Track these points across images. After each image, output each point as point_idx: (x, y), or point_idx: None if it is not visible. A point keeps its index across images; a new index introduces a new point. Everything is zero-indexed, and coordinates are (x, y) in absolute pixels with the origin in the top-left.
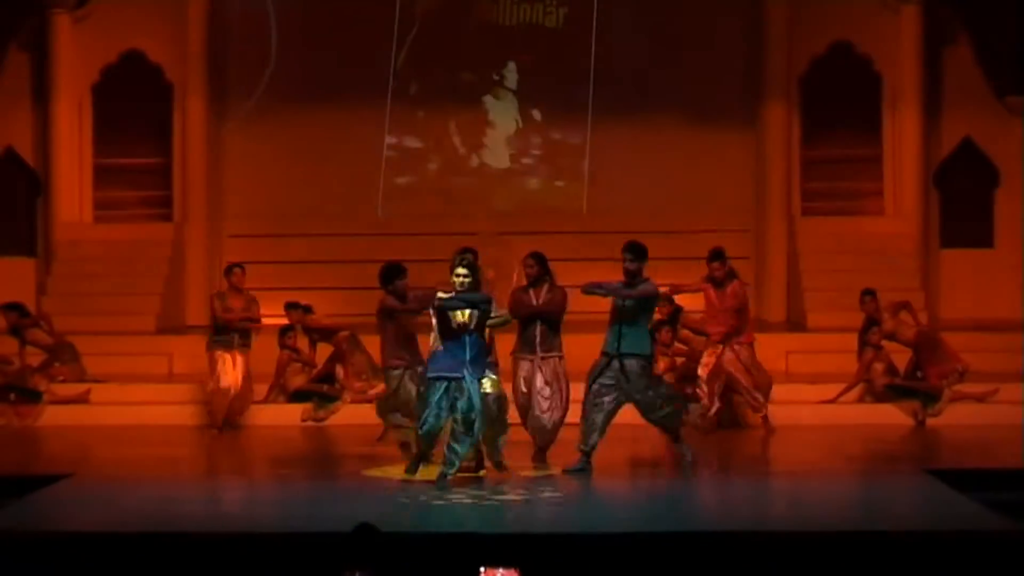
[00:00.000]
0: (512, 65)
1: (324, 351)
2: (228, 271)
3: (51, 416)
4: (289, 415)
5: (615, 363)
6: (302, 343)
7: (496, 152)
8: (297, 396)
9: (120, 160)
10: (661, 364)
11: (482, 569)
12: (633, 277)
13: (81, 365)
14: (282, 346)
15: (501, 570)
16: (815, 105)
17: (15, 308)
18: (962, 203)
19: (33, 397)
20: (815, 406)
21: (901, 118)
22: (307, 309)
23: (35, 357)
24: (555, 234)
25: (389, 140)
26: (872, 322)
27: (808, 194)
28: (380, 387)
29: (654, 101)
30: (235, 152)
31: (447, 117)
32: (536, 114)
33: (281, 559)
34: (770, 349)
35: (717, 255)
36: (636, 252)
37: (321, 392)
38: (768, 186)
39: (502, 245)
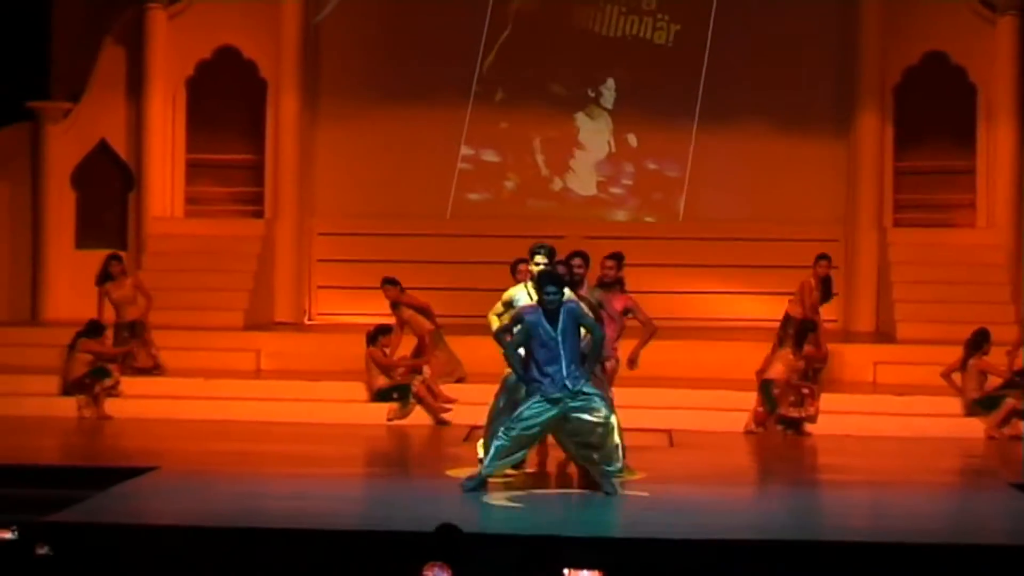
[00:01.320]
0: (611, 82)
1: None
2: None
3: (137, 409)
4: (375, 414)
5: None
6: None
7: (583, 177)
8: (380, 395)
9: (212, 156)
10: None
11: (566, 571)
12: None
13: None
14: (374, 343)
15: (585, 572)
16: (908, 115)
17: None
18: None
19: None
20: (902, 418)
21: (995, 130)
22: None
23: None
24: (647, 239)
25: (465, 151)
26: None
27: (900, 205)
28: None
29: (748, 110)
30: (326, 150)
31: (532, 132)
32: (632, 139)
33: (363, 556)
34: (858, 359)
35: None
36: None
37: (401, 388)
38: (860, 196)
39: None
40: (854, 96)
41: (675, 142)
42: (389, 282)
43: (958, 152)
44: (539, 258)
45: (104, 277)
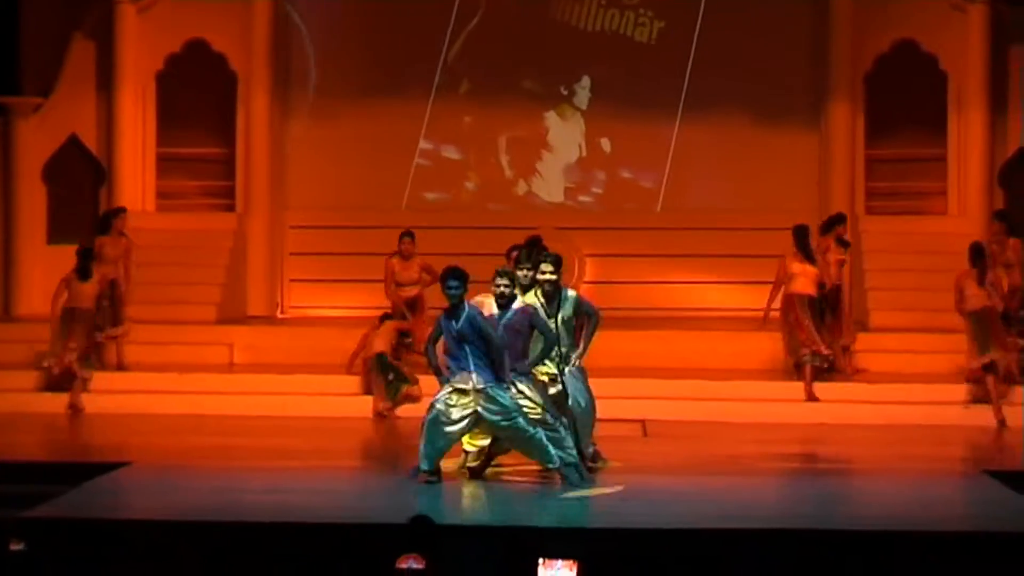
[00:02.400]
0: (586, 80)
1: None
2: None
3: (110, 405)
4: (349, 407)
5: None
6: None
7: (550, 182)
8: (381, 363)
9: (183, 150)
10: None
11: (541, 561)
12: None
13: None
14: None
15: (560, 563)
16: (880, 104)
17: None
18: None
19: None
20: (876, 405)
21: (967, 117)
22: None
23: None
24: (621, 230)
25: (424, 145)
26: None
27: (872, 193)
28: None
29: (723, 101)
30: (298, 143)
31: (498, 129)
32: (605, 144)
33: (338, 549)
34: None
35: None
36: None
37: (397, 370)
38: (832, 185)
39: (565, 241)
40: (826, 84)
41: (651, 145)
42: (409, 235)
43: (929, 140)
44: (545, 266)
45: (104, 228)
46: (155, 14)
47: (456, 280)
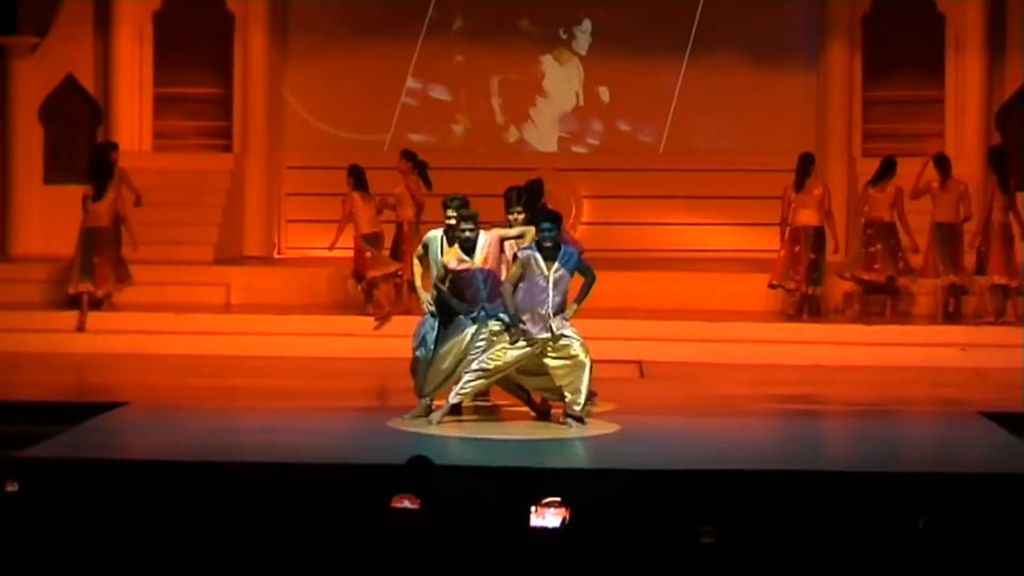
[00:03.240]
0: (587, 24)
1: None
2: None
3: (107, 345)
4: (346, 347)
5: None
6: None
7: (543, 131)
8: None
9: (180, 89)
10: None
11: (533, 508)
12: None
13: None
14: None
15: (551, 510)
16: (877, 45)
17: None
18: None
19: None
20: (872, 347)
21: (964, 59)
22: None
23: None
24: (619, 171)
25: (411, 84)
26: None
27: (869, 135)
28: None
29: (714, 39)
30: (295, 83)
31: (490, 71)
32: (604, 93)
33: (333, 489)
34: (830, 286)
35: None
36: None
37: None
38: (829, 126)
39: (562, 182)
40: (823, 26)
41: (651, 88)
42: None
43: (927, 82)
44: (451, 212)
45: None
46: None
47: (550, 222)
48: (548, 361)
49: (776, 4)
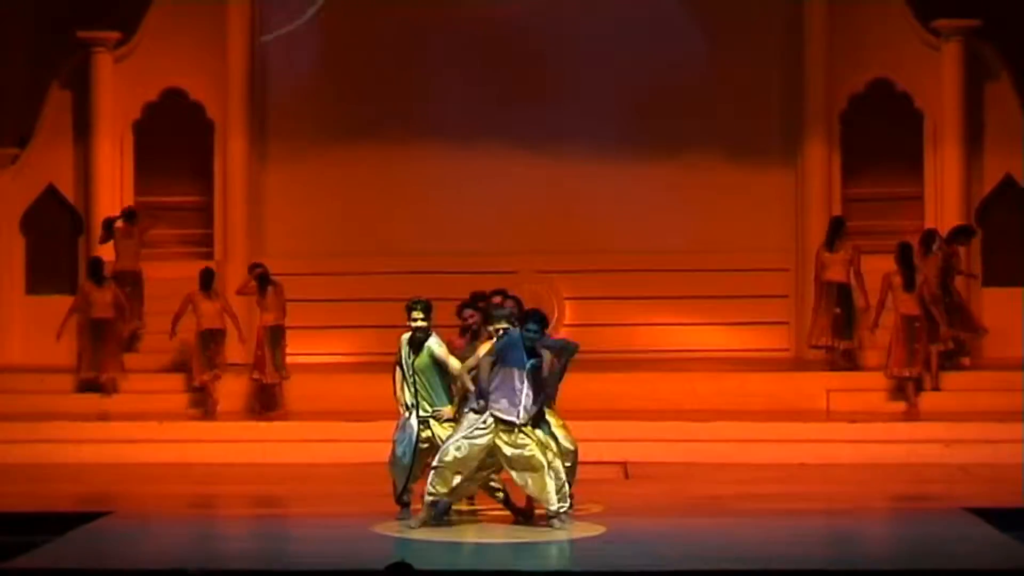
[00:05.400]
0: (566, 126)
1: None
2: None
3: (90, 454)
4: (332, 453)
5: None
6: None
7: (523, 233)
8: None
9: (160, 198)
10: None
11: None
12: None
13: None
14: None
15: None
16: (856, 142)
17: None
18: (1004, 241)
19: None
20: (856, 444)
21: (943, 155)
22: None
23: None
24: (598, 272)
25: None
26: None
27: (849, 232)
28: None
29: (695, 140)
30: (275, 191)
31: (469, 174)
32: (584, 194)
33: None
34: (811, 387)
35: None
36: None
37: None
38: (808, 224)
39: (544, 283)
40: (801, 124)
41: (629, 187)
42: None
43: (906, 178)
44: (416, 314)
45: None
46: (132, 63)
47: (536, 324)
48: (507, 453)
49: (753, 102)
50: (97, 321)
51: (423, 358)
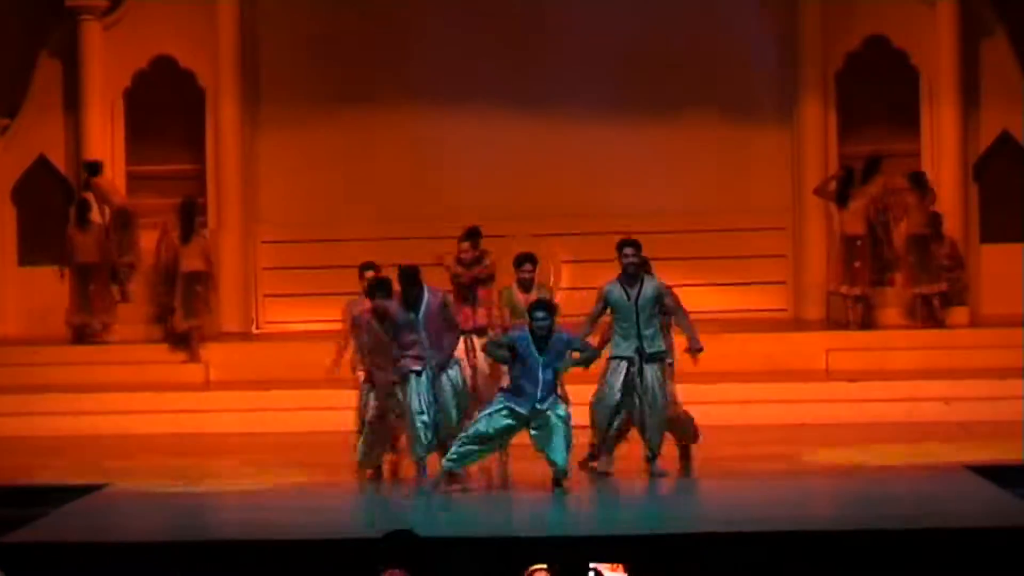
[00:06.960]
0: (562, 87)
1: None
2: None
3: (85, 426)
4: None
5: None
6: None
7: (519, 196)
8: None
9: (153, 167)
10: None
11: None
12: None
13: None
14: None
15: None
16: (851, 101)
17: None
18: (1002, 197)
19: None
20: (856, 404)
21: (939, 112)
22: None
23: None
24: (599, 235)
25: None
26: None
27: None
28: None
29: (688, 99)
30: (268, 157)
31: (467, 136)
32: (580, 155)
33: (320, 565)
34: (810, 347)
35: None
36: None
37: None
38: (805, 183)
39: (542, 246)
40: (796, 82)
41: (624, 149)
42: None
43: (902, 136)
44: (628, 250)
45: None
46: (121, 31)
47: (543, 311)
48: (530, 432)
49: (748, 62)
50: (83, 266)
51: None
